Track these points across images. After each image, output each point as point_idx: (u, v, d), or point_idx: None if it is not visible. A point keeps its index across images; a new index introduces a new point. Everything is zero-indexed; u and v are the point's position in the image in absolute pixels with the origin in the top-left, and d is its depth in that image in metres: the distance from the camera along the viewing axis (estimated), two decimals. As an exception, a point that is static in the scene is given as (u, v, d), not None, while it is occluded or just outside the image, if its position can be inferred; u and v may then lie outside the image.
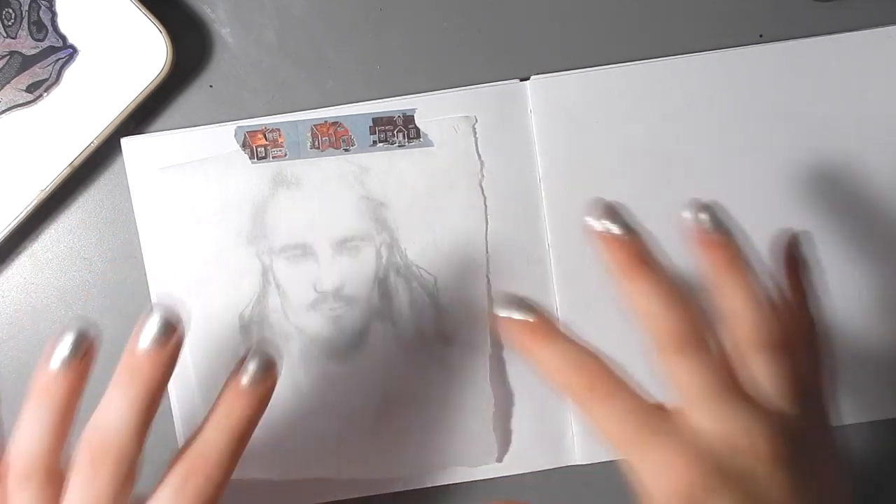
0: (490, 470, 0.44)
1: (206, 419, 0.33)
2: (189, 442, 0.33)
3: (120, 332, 0.44)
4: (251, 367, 0.33)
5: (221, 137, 0.43)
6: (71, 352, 0.32)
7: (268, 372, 0.33)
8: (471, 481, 0.44)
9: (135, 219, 0.43)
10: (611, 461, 0.44)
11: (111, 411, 0.31)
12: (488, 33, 0.43)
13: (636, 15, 0.44)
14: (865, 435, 0.45)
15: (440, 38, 0.44)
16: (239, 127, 0.43)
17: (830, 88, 0.43)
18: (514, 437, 0.44)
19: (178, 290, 0.43)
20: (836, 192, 0.44)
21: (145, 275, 0.44)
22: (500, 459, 0.44)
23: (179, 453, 0.33)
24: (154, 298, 0.43)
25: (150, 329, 0.32)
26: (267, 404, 0.33)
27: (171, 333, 0.32)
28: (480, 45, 0.44)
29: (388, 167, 0.43)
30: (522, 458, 0.44)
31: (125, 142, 0.43)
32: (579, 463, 0.44)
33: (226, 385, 0.33)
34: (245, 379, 0.33)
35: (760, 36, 0.43)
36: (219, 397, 0.33)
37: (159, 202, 0.43)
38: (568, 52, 0.43)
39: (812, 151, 0.43)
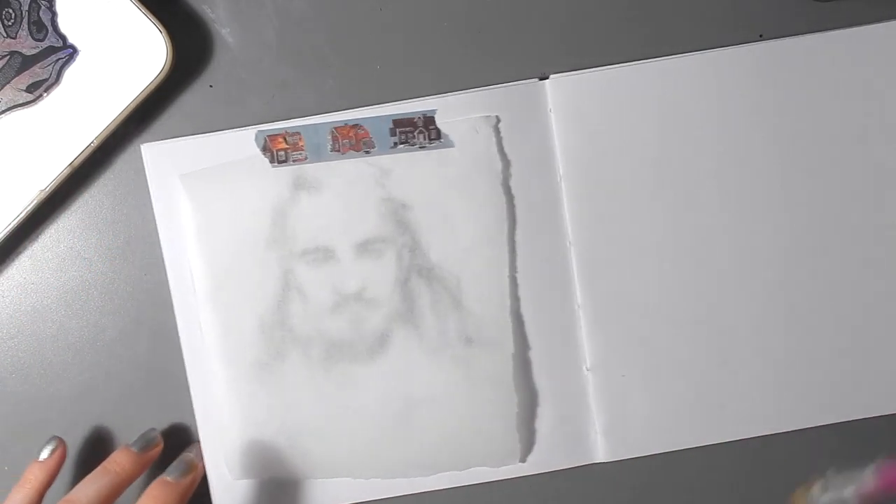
0: (514, 470, 0.44)
1: None
2: None
3: (120, 332, 0.44)
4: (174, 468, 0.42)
5: (242, 142, 0.43)
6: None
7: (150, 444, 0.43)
8: (495, 481, 0.44)
9: (134, 219, 0.44)
10: (634, 459, 0.44)
11: (82, 493, 0.40)
12: (488, 33, 0.44)
13: (644, 14, 0.44)
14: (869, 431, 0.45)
15: (440, 38, 0.44)
16: (259, 131, 0.43)
17: (838, 85, 0.43)
18: (538, 437, 0.44)
19: (200, 296, 0.43)
20: (838, 188, 0.44)
21: (145, 275, 0.44)
22: (523, 459, 0.44)
23: None
24: (176, 303, 0.43)
25: (143, 441, 0.43)
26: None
27: (153, 448, 0.43)
28: (480, 45, 0.44)
29: (408, 169, 0.43)
30: (546, 458, 0.44)
31: (145, 148, 0.43)
32: (602, 461, 0.44)
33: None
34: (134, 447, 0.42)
35: (760, 36, 0.43)
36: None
37: (180, 208, 0.43)
38: (567, 52, 0.44)
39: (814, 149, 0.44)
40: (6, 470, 0.45)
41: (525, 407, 0.44)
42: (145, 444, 0.42)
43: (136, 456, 0.42)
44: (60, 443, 0.42)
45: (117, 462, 0.41)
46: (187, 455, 0.43)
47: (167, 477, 0.41)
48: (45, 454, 0.42)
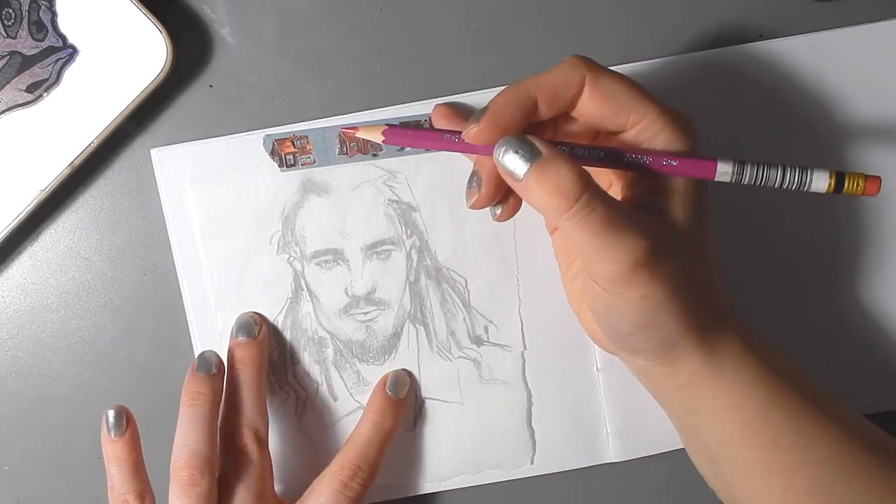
0: (524, 470, 0.44)
1: (360, 425, 0.42)
2: (346, 444, 0.42)
3: (120, 331, 0.44)
4: (391, 382, 0.43)
5: (250, 146, 0.43)
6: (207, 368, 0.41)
7: (403, 385, 0.43)
8: (505, 481, 0.44)
9: (135, 219, 0.44)
10: (645, 458, 0.44)
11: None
12: (490, 34, 0.44)
13: (645, 14, 0.44)
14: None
15: (442, 39, 0.44)
16: (267, 135, 0.43)
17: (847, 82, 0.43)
18: (548, 437, 0.44)
19: (214, 298, 0.43)
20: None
21: (145, 275, 0.44)
22: (533, 459, 0.44)
23: (340, 454, 0.42)
24: (188, 307, 0.43)
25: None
26: (406, 410, 0.44)
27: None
28: (479, 45, 0.44)
29: (416, 171, 0.43)
30: (556, 457, 0.44)
31: (155, 153, 0.43)
32: (614, 461, 0.44)
33: (373, 396, 0.43)
34: (390, 391, 0.43)
35: (760, 36, 0.44)
36: (368, 408, 0.43)
37: (191, 212, 0.43)
38: (569, 53, 0.43)
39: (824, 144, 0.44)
40: (6, 470, 0.45)
41: (536, 406, 0.44)
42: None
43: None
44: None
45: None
46: (398, 372, 0.44)
47: (388, 393, 0.43)
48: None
